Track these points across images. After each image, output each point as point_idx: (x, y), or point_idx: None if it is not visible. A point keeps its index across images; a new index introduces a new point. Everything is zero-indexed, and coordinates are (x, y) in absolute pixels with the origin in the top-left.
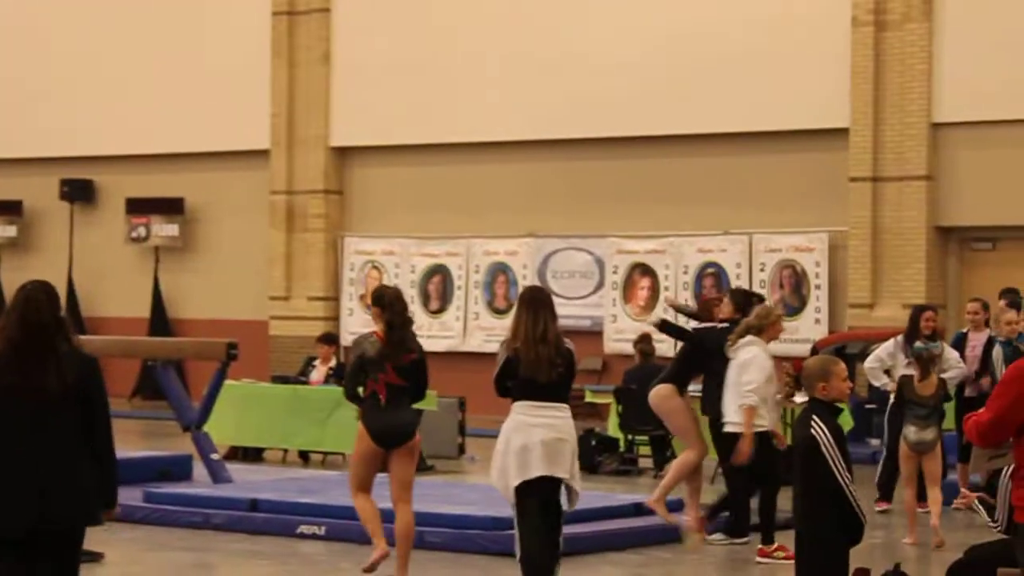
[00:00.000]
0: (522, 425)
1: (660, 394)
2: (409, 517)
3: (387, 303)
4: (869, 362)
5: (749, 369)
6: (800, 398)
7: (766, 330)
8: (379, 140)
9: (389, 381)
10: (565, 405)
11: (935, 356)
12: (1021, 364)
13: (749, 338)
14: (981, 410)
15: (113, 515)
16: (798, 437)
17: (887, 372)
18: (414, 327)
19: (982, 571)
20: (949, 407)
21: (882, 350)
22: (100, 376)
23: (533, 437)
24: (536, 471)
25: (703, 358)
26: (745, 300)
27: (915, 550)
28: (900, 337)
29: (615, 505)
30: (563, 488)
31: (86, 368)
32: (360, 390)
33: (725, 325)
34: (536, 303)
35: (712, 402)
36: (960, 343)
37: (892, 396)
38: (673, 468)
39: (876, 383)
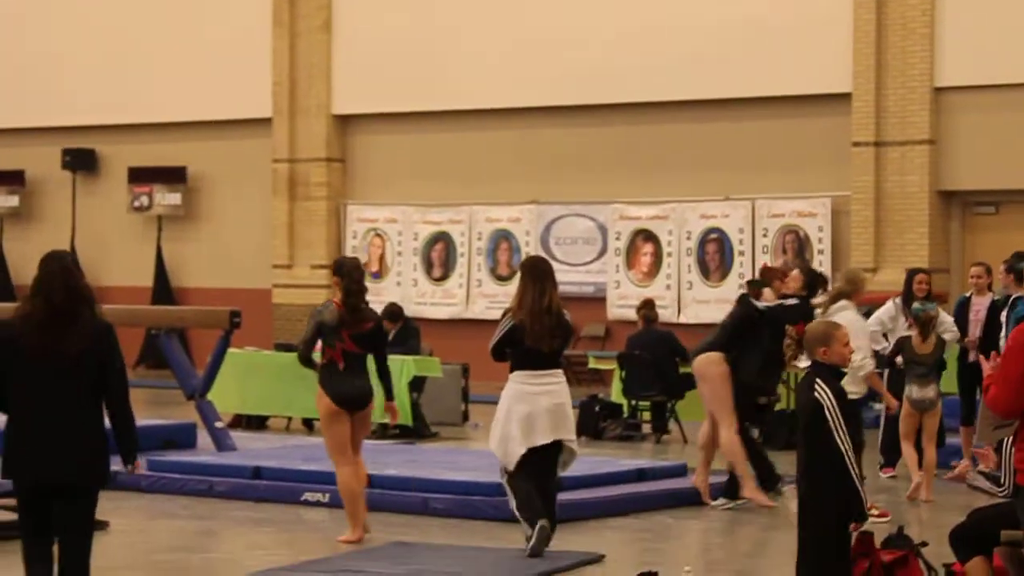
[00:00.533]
0: (524, 394)
1: (710, 359)
2: (363, 471)
3: (345, 272)
4: (870, 325)
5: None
6: (804, 362)
7: (854, 295)
8: (381, 108)
9: (346, 348)
10: (561, 371)
11: (932, 317)
12: (1020, 333)
13: (842, 303)
14: (992, 373)
15: (138, 468)
16: (801, 401)
17: (885, 336)
18: (418, 294)
19: (985, 534)
20: (951, 371)
21: (882, 312)
22: (115, 341)
23: (538, 405)
24: (543, 438)
25: (755, 328)
26: (815, 280)
27: (918, 515)
28: (898, 299)
29: (618, 471)
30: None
31: (102, 334)
32: (318, 356)
33: (793, 302)
34: (541, 273)
35: (748, 369)
36: (964, 307)
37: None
38: (728, 453)
39: (876, 347)
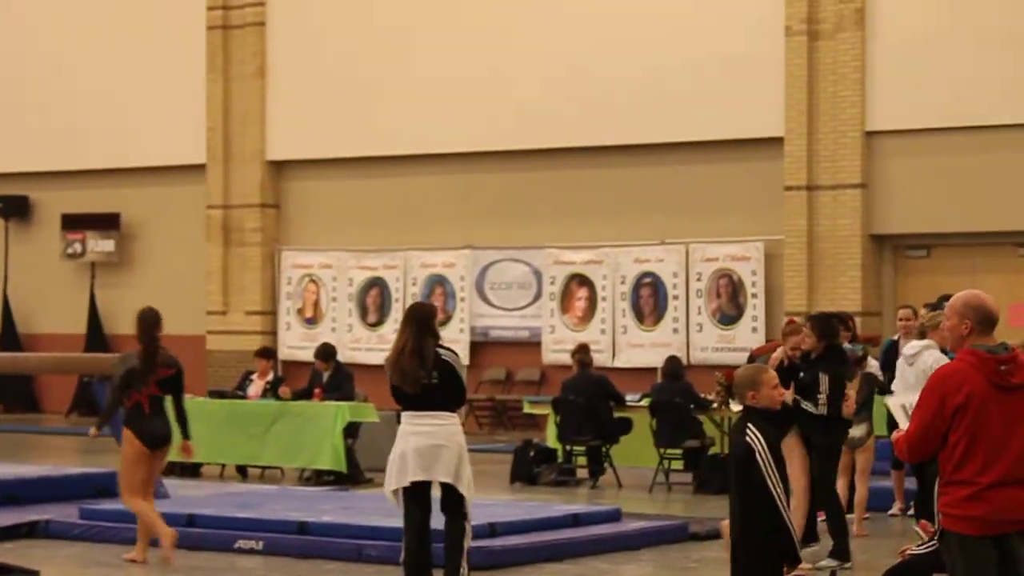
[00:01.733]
0: (403, 434)
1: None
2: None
3: (146, 322)
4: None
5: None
6: (736, 406)
7: (933, 332)
8: (315, 153)
9: (151, 393)
10: (447, 413)
11: (859, 357)
12: (941, 372)
13: (928, 341)
14: (906, 426)
15: None
16: (733, 444)
17: None
18: (353, 339)
19: None
20: (880, 414)
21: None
22: None
23: (409, 445)
24: (411, 476)
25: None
26: (828, 326)
27: (852, 557)
28: None
29: (553, 516)
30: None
31: None
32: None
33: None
34: (407, 319)
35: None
36: (891, 350)
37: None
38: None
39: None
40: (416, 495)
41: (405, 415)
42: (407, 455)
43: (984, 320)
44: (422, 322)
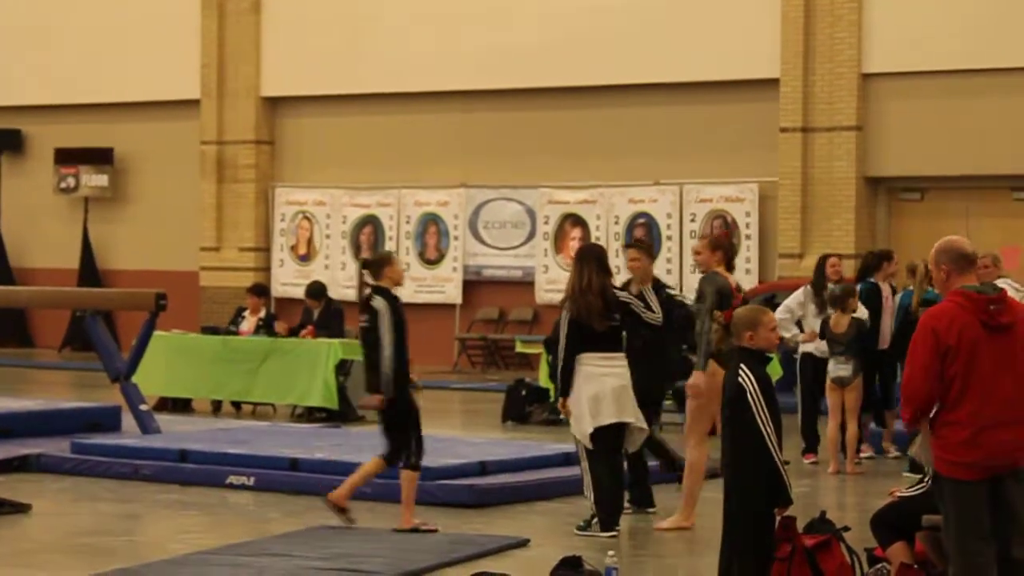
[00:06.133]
0: (593, 375)
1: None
2: None
3: None
4: (779, 313)
5: None
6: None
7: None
8: (310, 90)
9: None
10: (623, 354)
11: (836, 295)
12: (930, 313)
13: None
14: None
15: None
16: (726, 386)
17: (798, 323)
18: (346, 277)
19: (906, 519)
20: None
21: (791, 300)
22: None
23: (605, 386)
24: (608, 418)
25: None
26: (651, 249)
27: (841, 499)
28: (808, 287)
29: (545, 455)
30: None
31: None
32: None
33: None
34: (584, 258)
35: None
36: (876, 293)
37: (801, 347)
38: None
39: (786, 335)
40: (610, 434)
41: (590, 355)
42: (604, 396)
43: (956, 259)
44: (601, 261)
